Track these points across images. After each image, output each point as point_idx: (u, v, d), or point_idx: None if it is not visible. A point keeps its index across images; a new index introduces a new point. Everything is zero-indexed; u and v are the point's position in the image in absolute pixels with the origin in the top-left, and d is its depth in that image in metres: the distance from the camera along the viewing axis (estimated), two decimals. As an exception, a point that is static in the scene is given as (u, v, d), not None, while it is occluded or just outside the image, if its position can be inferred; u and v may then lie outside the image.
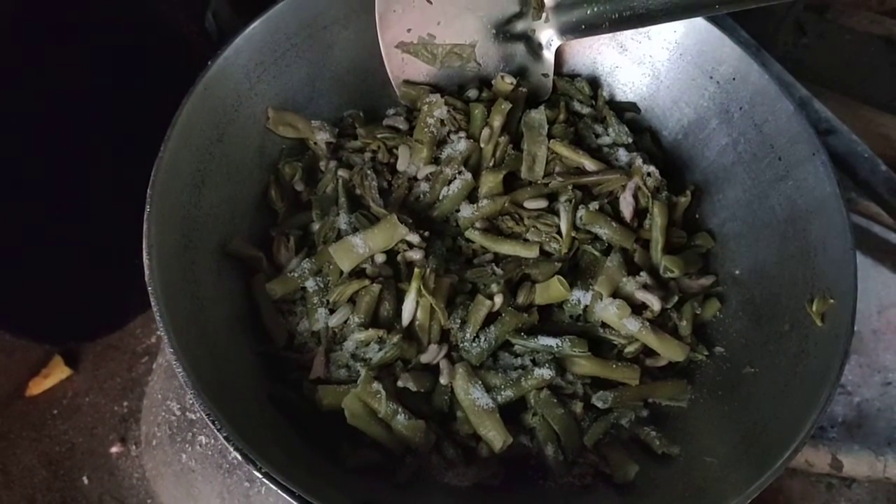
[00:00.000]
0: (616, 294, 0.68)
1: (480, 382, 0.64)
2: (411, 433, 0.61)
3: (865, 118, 1.11)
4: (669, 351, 0.68)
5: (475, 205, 0.73)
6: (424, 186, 0.75)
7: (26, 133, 0.72)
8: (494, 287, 0.68)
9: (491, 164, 0.76)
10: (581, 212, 0.73)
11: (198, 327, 0.59)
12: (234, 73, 0.70)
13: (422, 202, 0.74)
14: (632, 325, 0.67)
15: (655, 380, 0.69)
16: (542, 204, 0.73)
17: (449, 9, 0.77)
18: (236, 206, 0.71)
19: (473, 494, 0.63)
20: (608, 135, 0.80)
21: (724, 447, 0.63)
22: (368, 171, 0.73)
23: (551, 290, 0.68)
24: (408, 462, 0.62)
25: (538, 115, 0.77)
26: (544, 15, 0.78)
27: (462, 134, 0.76)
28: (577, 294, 0.69)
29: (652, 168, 0.75)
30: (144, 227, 0.58)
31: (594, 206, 0.73)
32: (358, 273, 0.67)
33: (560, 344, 0.65)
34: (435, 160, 0.75)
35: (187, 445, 0.81)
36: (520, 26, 0.80)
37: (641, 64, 0.83)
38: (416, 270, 0.65)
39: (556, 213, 0.73)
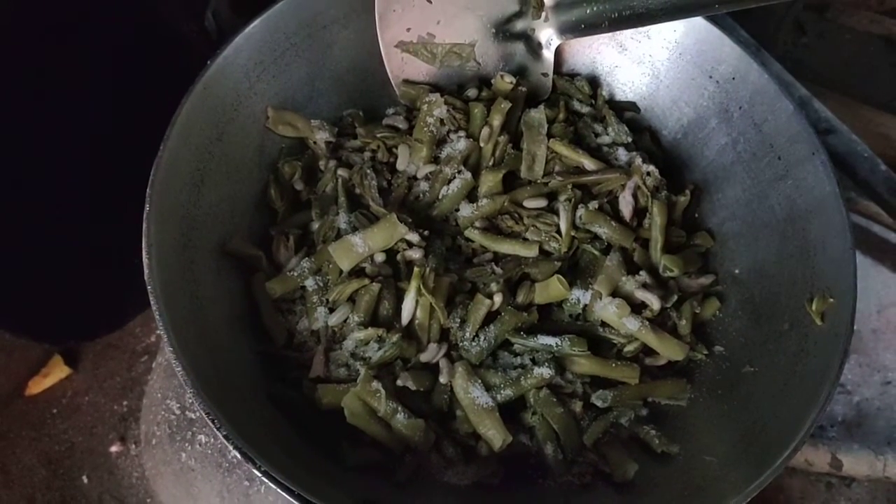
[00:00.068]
0: (615, 293, 0.68)
1: (480, 381, 0.64)
2: (411, 432, 0.61)
3: (865, 118, 1.11)
4: (669, 350, 0.68)
5: (475, 204, 0.73)
6: (424, 186, 0.75)
7: (26, 133, 0.72)
8: (494, 286, 0.68)
9: (490, 163, 0.76)
10: (580, 211, 0.73)
11: (197, 326, 0.59)
12: (233, 72, 0.70)
13: (421, 201, 0.74)
14: (631, 325, 0.67)
15: (655, 379, 0.70)
16: (542, 203, 0.73)
17: (448, 8, 0.77)
18: (236, 205, 0.71)
19: (473, 493, 0.63)
20: (608, 134, 0.80)
21: (723, 446, 0.63)
22: (368, 171, 0.73)
23: (551, 289, 0.68)
24: (407, 461, 0.62)
25: (538, 114, 0.77)
26: (544, 14, 0.78)
27: (461, 133, 0.76)
28: (577, 293, 0.69)
29: (651, 167, 0.76)
30: (144, 226, 0.58)
31: (594, 205, 0.73)
32: (357, 272, 0.67)
33: (559, 343, 0.65)
34: (434, 159, 0.75)
35: (187, 444, 0.81)
36: (519, 25, 0.80)
37: (641, 63, 0.83)
38: (416, 269, 0.65)
39: (556, 213, 0.73)
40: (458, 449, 0.63)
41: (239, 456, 0.51)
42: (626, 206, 0.74)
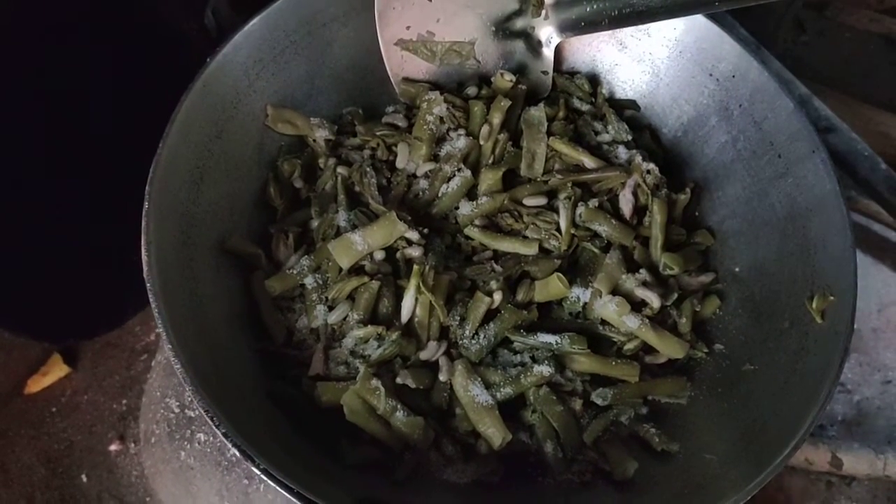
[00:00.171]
0: (615, 291, 0.68)
1: (480, 379, 0.64)
2: (410, 430, 0.61)
3: (865, 116, 1.11)
4: (669, 348, 0.68)
5: (474, 202, 0.73)
6: (423, 184, 0.75)
7: (26, 132, 0.72)
8: (494, 284, 0.68)
9: (490, 161, 0.76)
10: (580, 209, 0.72)
11: (196, 324, 0.59)
12: (233, 70, 0.70)
13: (421, 199, 0.74)
14: (631, 323, 0.67)
15: (655, 377, 0.69)
16: (542, 201, 0.73)
17: (448, 6, 0.77)
18: (235, 203, 0.71)
19: (472, 491, 0.62)
20: (608, 132, 0.80)
21: (723, 444, 0.63)
22: (367, 169, 0.73)
23: (551, 287, 0.68)
24: (407, 459, 0.62)
25: (538, 112, 0.77)
26: (544, 12, 0.78)
27: (461, 131, 0.76)
28: (577, 291, 0.69)
29: (651, 165, 0.75)
30: (143, 223, 0.57)
31: (594, 203, 0.73)
32: (357, 270, 0.67)
33: (559, 341, 0.65)
34: (434, 157, 0.75)
35: (186, 443, 0.81)
36: (519, 23, 0.80)
37: (641, 61, 0.83)
38: (416, 267, 0.65)
39: (556, 211, 0.73)
40: (457, 447, 0.63)
41: (238, 454, 0.51)
42: (626, 204, 0.74)
